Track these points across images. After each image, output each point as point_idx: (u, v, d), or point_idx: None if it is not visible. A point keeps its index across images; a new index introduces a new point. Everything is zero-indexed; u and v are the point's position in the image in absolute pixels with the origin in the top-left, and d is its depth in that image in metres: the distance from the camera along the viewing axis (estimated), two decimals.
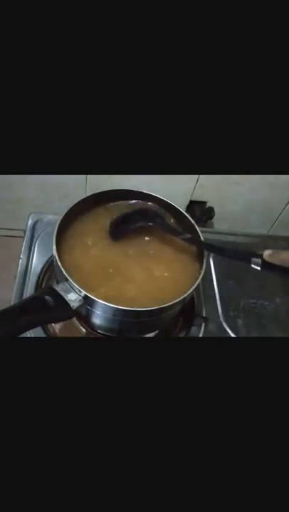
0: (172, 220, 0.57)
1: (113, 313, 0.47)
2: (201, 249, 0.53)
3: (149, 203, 0.58)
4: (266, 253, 0.44)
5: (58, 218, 0.51)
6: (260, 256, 0.44)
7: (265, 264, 0.44)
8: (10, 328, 0.41)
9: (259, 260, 0.44)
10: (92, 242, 0.54)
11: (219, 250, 0.52)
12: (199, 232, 0.54)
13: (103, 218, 0.57)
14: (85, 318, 0.52)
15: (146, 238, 0.56)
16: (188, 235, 0.53)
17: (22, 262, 0.65)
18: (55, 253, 0.48)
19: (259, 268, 0.45)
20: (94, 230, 0.55)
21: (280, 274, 0.45)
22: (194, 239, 0.53)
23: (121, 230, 0.54)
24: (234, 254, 0.53)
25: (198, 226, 0.55)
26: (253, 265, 0.45)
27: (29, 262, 0.65)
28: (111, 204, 0.58)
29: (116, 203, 0.58)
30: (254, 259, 0.45)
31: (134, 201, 0.58)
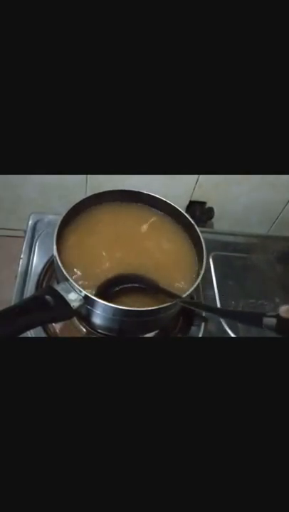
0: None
1: (113, 313, 0.47)
2: (200, 250, 0.53)
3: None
4: (282, 309, 0.35)
5: (59, 218, 0.51)
6: (275, 316, 0.37)
7: (281, 324, 0.36)
8: (10, 328, 0.41)
9: (273, 320, 0.36)
10: (93, 241, 0.54)
11: (223, 313, 0.49)
12: (199, 233, 0.54)
13: (103, 218, 0.57)
14: (85, 317, 0.52)
15: (147, 240, 0.56)
16: (185, 299, 0.47)
17: (23, 262, 0.65)
18: (55, 253, 0.48)
19: (274, 331, 0.36)
20: (94, 230, 0.55)
21: None
22: (198, 303, 0.48)
23: (108, 293, 0.49)
24: (242, 318, 0.47)
25: (198, 226, 0.55)
26: (265, 328, 0.37)
27: (30, 262, 0.66)
28: (111, 204, 0.58)
29: (116, 203, 0.58)
30: (266, 320, 0.37)
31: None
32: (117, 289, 0.49)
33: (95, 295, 0.46)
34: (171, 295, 0.48)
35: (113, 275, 0.50)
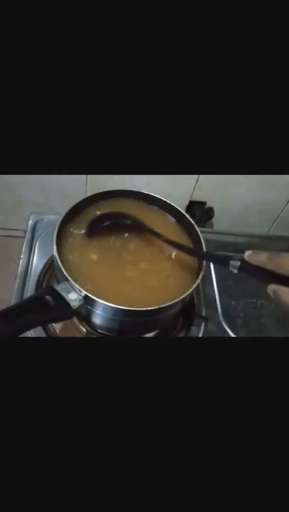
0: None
1: (113, 313, 0.47)
2: (200, 250, 0.53)
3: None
4: (247, 253, 0.41)
5: (59, 218, 0.51)
6: (239, 259, 0.42)
7: (243, 266, 0.42)
8: (10, 328, 0.41)
9: (237, 263, 0.42)
10: (93, 241, 0.54)
11: (192, 252, 0.53)
12: (199, 233, 0.54)
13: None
14: (86, 317, 0.52)
15: (145, 241, 0.56)
16: (167, 237, 0.52)
17: (22, 262, 0.65)
18: (55, 253, 0.48)
19: (236, 271, 0.42)
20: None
21: (257, 278, 0.41)
22: (170, 240, 0.52)
23: (96, 228, 0.54)
24: (211, 257, 0.53)
25: (198, 226, 0.55)
26: (231, 268, 0.43)
27: (30, 262, 0.66)
28: (111, 204, 0.58)
29: (116, 203, 0.58)
30: (232, 262, 0.42)
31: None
32: (108, 223, 0.54)
33: (87, 232, 0.53)
34: (155, 234, 0.53)
35: (102, 213, 0.55)
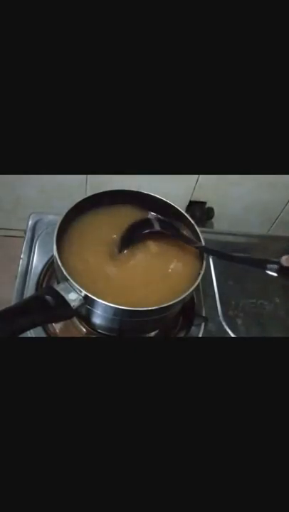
0: (184, 231, 0.57)
1: (113, 312, 0.47)
2: (200, 250, 0.53)
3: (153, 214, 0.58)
4: (283, 258, 0.44)
5: (59, 218, 0.51)
6: (277, 262, 0.45)
7: (282, 270, 0.45)
8: (10, 328, 0.41)
9: (275, 266, 0.45)
10: (93, 241, 0.54)
11: (233, 258, 0.54)
12: (199, 233, 0.54)
13: (103, 218, 0.57)
14: (86, 317, 0.52)
15: (147, 240, 0.56)
16: (202, 244, 0.53)
17: (22, 262, 0.65)
18: (55, 253, 0.48)
19: (276, 274, 0.45)
20: (94, 230, 0.55)
21: None
22: (207, 248, 0.53)
23: (131, 239, 0.54)
24: (249, 262, 0.55)
25: (198, 226, 0.55)
26: (269, 272, 0.46)
27: (30, 262, 0.66)
28: (111, 204, 0.58)
29: (116, 203, 0.58)
30: (270, 266, 0.46)
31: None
32: (146, 231, 0.54)
33: (121, 243, 0.52)
34: (190, 241, 0.54)
35: (139, 219, 0.55)
